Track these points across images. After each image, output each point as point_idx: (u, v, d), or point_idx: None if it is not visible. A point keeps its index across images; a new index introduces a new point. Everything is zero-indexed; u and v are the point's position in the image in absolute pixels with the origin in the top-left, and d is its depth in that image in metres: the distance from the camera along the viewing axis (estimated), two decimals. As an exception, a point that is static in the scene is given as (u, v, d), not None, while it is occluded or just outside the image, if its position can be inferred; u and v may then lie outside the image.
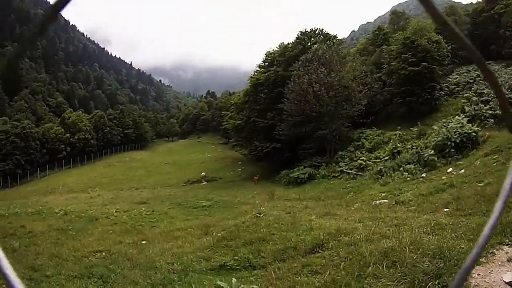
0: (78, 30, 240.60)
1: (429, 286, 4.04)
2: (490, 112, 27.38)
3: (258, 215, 11.69)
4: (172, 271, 7.15)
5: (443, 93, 36.33)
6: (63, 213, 18.22)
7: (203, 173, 45.86)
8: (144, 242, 11.97)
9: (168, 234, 12.67)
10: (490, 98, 29.86)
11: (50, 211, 19.03)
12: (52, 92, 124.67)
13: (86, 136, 72.30)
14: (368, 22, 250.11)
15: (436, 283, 4.11)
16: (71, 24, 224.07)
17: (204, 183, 41.41)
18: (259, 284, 5.17)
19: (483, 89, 32.44)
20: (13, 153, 61.38)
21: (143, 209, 20.17)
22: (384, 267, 4.55)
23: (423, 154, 21.84)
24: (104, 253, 10.51)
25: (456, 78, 38.46)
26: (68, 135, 70.56)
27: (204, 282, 5.74)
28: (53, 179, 55.34)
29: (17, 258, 9.57)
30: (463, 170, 16.97)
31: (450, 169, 18.44)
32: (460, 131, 21.62)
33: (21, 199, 29.44)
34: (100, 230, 14.77)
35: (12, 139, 62.05)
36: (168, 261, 8.11)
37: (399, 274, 4.28)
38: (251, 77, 45.26)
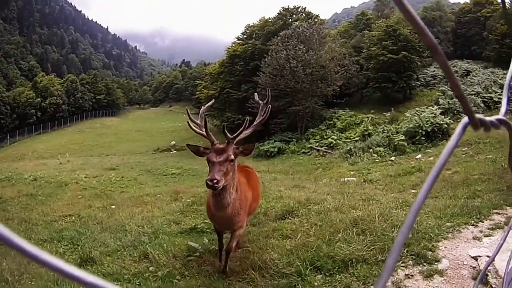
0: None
1: (397, 253, 4.19)
2: (464, 107, 27.98)
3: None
4: (143, 234, 7.10)
5: (419, 83, 36.99)
6: (33, 179, 17.87)
7: (173, 142, 45.51)
8: (113, 206, 11.87)
9: (137, 199, 12.57)
10: (465, 94, 30.52)
11: (20, 177, 18.65)
12: (25, 55, 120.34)
13: (58, 101, 69.98)
14: (352, 7, 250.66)
15: (405, 251, 4.28)
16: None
17: (174, 151, 41.13)
18: (231, 247, 5.21)
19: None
20: (-18, 118, 59.29)
21: (113, 175, 19.96)
22: (354, 233, 4.69)
23: (394, 139, 22.25)
24: (73, 217, 10.43)
25: (434, 71, 39.05)
26: (39, 99, 68.20)
27: (176, 243, 5.77)
28: (23, 145, 53.83)
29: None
30: (431, 158, 17.42)
31: (419, 156, 18.90)
32: (432, 120, 22.09)
33: (-10, 166, 28.68)
34: (69, 195, 14.57)
35: (-18, 104, 59.75)
36: (138, 224, 8.06)
37: (369, 241, 4.44)
38: (229, 48, 44.74)
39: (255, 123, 4.72)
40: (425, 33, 0.46)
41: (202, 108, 5.15)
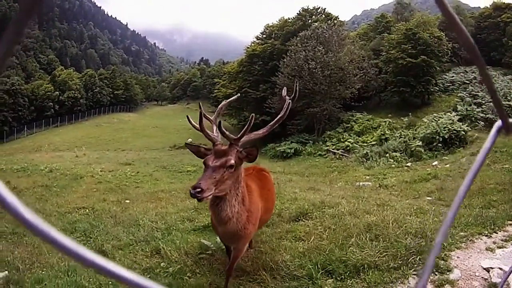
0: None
1: (410, 261, 4.18)
2: (482, 114, 27.65)
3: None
4: (156, 229, 7.17)
5: (437, 89, 36.43)
6: (48, 170, 18.09)
7: (189, 139, 45.47)
8: (127, 201, 11.96)
9: (152, 194, 12.65)
10: (483, 102, 30.11)
11: (36, 168, 18.91)
12: (44, 49, 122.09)
13: (76, 95, 70.92)
14: (371, 9, 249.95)
15: (418, 258, 4.26)
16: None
17: (190, 149, 41.18)
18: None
19: (478, 92, 32.75)
20: (0, 109, 60.36)
21: (128, 170, 20.10)
22: (368, 239, 4.69)
23: (411, 144, 22.06)
24: (87, 210, 10.52)
25: (453, 76, 38.52)
26: (57, 93, 69.29)
27: (188, 240, 5.81)
28: (40, 137, 54.72)
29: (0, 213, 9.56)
30: (448, 165, 17.20)
31: (436, 163, 18.67)
32: (449, 127, 21.84)
33: (6, 156, 29.30)
34: (84, 188, 14.68)
35: (0, 95, 60.90)
36: (152, 219, 8.13)
37: (382, 247, 4.42)
38: (248, 47, 44.96)
39: (274, 120, 4.09)
40: (467, 36, 0.47)
41: (224, 102, 4.69)
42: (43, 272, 5.28)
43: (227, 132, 3.55)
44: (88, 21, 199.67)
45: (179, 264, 4.97)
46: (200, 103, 4.72)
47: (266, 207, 4.40)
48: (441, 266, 4.24)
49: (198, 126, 3.74)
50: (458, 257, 4.63)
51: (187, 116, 4.12)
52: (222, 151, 3.45)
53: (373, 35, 46.79)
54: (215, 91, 54.29)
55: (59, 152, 34.69)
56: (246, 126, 3.48)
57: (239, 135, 3.54)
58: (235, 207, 3.57)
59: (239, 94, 6.22)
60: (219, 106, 4.52)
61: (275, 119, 4.04)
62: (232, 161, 3.37)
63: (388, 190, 12.46)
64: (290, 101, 4.09)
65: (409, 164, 19.53)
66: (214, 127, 4.03)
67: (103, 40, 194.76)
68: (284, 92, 4.50)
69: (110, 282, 4.57)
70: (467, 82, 36.63)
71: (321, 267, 4.21)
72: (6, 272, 5.27)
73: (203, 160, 3.45)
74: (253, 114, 3.60)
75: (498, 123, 0.54)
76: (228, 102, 4.69)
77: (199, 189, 3.06)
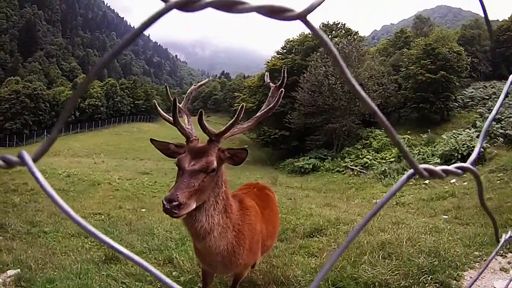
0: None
1: (421, 280, 4.14)
2: (501, 131, 27.13)
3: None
4: (170, 239, 7.22)
5: (456, 104, 35.99)
6: (66, 175, 18.24)
7: (209, 152, 45.64)
8: (143, 210, 12.06)
9: (168, 204, 12.67)
10: (503, 117, 29.58)
11: (54, 172, 19.00)
12: (67, 57, 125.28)
13: (97, 102, 72.27)
14: (391, 24, 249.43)
15: (430, 278, 4.21)
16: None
17: (208, 162, 41.39)
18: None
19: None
20: (22, 113, 62.18)
21: (146, 179, 20.22)
22: (380, 257, 4.67)
23: (429, 162, 21.80)
24: (103, 216, 10.65)
25: (472, 92, 38.04)
26: (78, 100, 70.38)
27: (202, 252, 5.84)
28: (59, 142, 55.24)
29: (16, 213, 9.71)
30: (466, 183, 16.90)
31: (454, 180, 18.35)
32: (468, 144, 21.58)
33: (25, 159, 29.63)
34: (101, 195, 14.85)
35: (22, 99, 62.80)
36: (167, 229, 8.17)
37: (394, 265, 4.40)
38: (268, 62, 45.34)
39: (260, 111, 3.41)
40: (364, 99, 0.48)
41: (193, 86, 3.74)
42: (55, 273, 5.38)
43: (208, 126, 2.76)
44: (110, 31, 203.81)
45: (190, 274, 5.01)
46: (167, 86, 4.10)
47: (268, 230, 3.69)
48: (453, 286, 4.18)
49: (169, 117, 2.97)
50: (471, 277, 4.54)
51: (154, 102, 3.39)
52: (199, 149, 2.75)
53: (392, 51, 46.66)
54: (235, 104, 54.53)
55: (78, 158, 35.17)
56: (232, 120, 2.84)
57: (222, 129, 2.86)
58: (213, 218, 2.83)
59: (210, 78, 5.75)
60: (188, 91, 3.63)
61: (264, 110, 3.41)
62: (215, 164, 2.70)
63: (405, 207, 12.36)
64: (282, 90, 3.37)
65: (427, 181, 19.28)
66: (186, 118, 3.23)
67: (125, 51, 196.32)
68: (267, 78, 3.81)
69: (121, 286, 4.62)
70: (487, 97, 36.13)
71: (332, 284, 4.19)
72: (19, 270, 5.39)
73: (175, 161, 2.77)
74: (243, 104, 2.94)
75: (410, 171, 0.58)
76: (198, 86, 3.77)
77: (175, 203, 2.38)
